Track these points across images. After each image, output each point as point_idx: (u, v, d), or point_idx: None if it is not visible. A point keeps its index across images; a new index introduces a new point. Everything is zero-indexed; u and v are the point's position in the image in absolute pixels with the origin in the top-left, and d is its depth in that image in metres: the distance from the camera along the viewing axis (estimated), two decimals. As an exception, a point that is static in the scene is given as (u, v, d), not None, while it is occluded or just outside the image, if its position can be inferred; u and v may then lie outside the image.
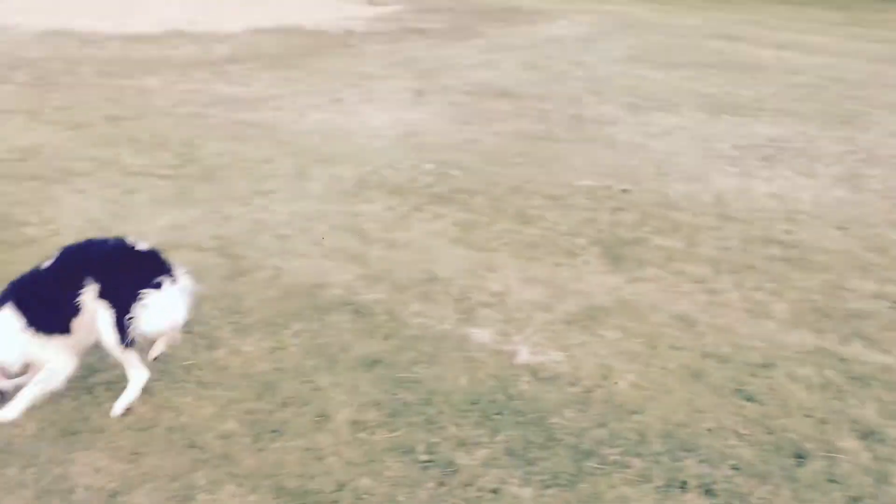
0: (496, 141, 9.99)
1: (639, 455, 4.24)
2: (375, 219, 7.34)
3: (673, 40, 18.04)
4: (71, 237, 6.46)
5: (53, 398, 4.51)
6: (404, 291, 5.98)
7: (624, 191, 8.24)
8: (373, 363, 5.02)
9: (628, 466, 4.16)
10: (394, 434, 4.38)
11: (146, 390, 4.62)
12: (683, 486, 4.04)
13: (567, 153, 9.59)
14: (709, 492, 4.00)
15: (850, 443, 4.39)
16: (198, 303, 5.57)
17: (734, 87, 13.26)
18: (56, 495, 3.84)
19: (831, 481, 4.09)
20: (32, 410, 4.42)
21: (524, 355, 5.18)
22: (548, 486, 4.02)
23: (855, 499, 3.99)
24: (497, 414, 4.57)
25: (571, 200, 7.96)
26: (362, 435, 4.36)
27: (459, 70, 14.45)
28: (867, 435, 4.47)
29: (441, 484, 4.05)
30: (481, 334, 5.42)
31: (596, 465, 4.17)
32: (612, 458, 4.23)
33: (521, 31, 19.40)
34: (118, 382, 4.68)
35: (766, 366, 5.12)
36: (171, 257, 4.70)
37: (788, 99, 12.59)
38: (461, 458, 4.21)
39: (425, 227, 7.21)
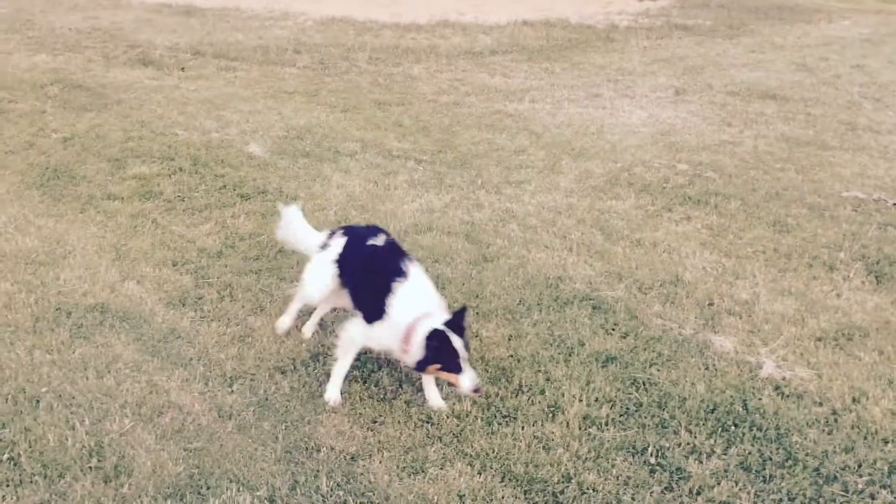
0: (757, 144, 9.55)
1: (888, 487, 3.97)
2: (623, 216, 7.28)
3: (971, 44, 16.40)
4: (333, 213, 7.00)
5: (307, 363, 4.90)
6: (647, 291, 5.91)
7: (896, 205, 7.64)
8: (608, 360, 5.02)
9: (874, 497, 3.90)
10: (624, 433, 4.37)
11: (390, 364, 4.90)
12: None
13: (835, 161, 9.00)
14: (965, 538, 3.68)
15: None
16: (442, 285, 5.87)
17: None
18: (303, 452, 4.18)
19: None
20: (286, 373, 4.83)
21: (769, 369, 4.96)
22: (783, 508, 3.86)
23: None
24: (734, 425, 4.43)
25: (836, 212, 7.48)
26: (592, 430, 4.39)
27: (724, 69, 13.94)
28: None
29: (668, 489, 3.99)
30: (724, 342, 5.25)
31: (838, 492, 3.94)
32: (857, 486, 3.98)
33: (797, 30, 18.37)
34: (365, 353, 5.00)
35: None
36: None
37: None
38: (692, 466, 4.12)
39: (674, 229, 7.05)
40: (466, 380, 4.22)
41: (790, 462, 4.16)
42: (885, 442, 4.31)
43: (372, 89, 11.68)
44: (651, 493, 3.96)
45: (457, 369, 4.23)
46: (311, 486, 3.94)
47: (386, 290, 4.42)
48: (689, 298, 5.82)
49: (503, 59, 14.21)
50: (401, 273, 4.48)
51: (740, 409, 4.56)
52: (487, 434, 4.34)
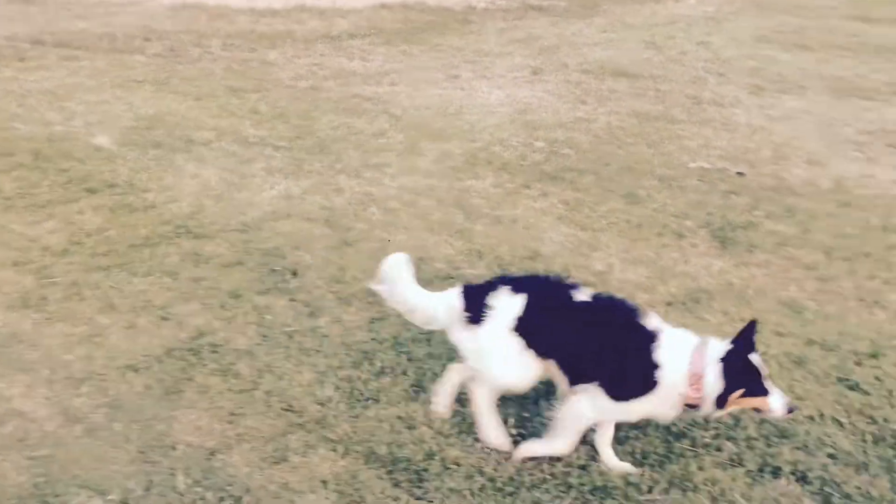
0: (610, 120, 9.83)
1: (732, 439, 4.16)
2: (483, 195, 7.37)
3: (806, 21, 17.24)
4: (187, 204, 6.80)
5: (160, 359, 4.74)
6: (507, 267, 6.00)
7: (739, 174, 8.00)
8: (470, 337, 5.06)
9: (720, 449, 4.09)
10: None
11: (249, 354, 4.81)
12: (776, 472, 3.95)
13: (683, 134, 9.36)
14: (803, 479, 3.91)
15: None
16: (303, 271, 5.80)
17: (867, 71, 12.60)
18: (158, 451, 4.04)
19: (935, 477, 3.93)
20: (139, 370, 4.65)
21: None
22: (636, 465, 3.99)
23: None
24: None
25: (683, 182, 7.79)
26: (455, 406, 4.42)
27: (578, 48, 14.24)
28: (981, 435, 4.25)
29: (530, 457, 4.06)
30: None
31: (687, 447, 4.12)
32: (704, 440, 4.17)
33: (646, 9, 18.93)
34: (224, 345, 4.89)
35: (873, 355, 4.93)
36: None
37: (925, 82, 11.90)
38: (551, 434, 4.21)
39: (532, 205, 7.19)
40: (778, 400, 3.73)
41: (643, 423, 4.29)
42: (730, 397, 4.52)
43: (226, 76, 11.38)
44: (513, 462, 4.02)
45: (763, 391, 3.75)
46: (168, 484, 3.82)
47: (644, 347, 3.77)
48: (547, 272, 5.94)
49: (361, 42, 14.10)
50: (644, 321, 3.86)
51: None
52: (351, 418, 4.32)
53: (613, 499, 3.81)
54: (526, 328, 3.90)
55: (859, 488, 3.84)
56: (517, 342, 3.91)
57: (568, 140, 8.98)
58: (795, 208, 7.16)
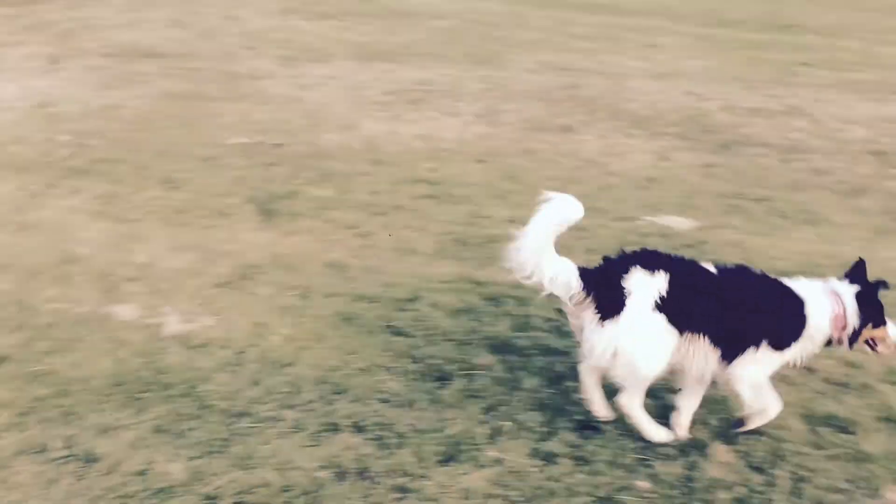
0: (140, 105, 9.44)
1: (291, 406, 4.18)
2: (3, 201, 6.67)
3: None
4: None
5: None
6: (36, 277, 5.47)
7: (277, 145, 8.13)
8: None
9: (282, 419, 4.09)
10: (25, 434, 3.97)
11: None
12: (335, 428, 4.03)
13: (219, 112, 9.28)
14: (359, 429, 4.03)
15: (486, 359, 4.61)
16: None
17: (384, 35, 13.54)
18: None
19: (470, 396, 4.29)
20: None
21: (172, 326, 4.93)
22: (198, 456, 3.83)
23: (491, 408, 4.20)
24: (144, 392, 4.30)
25: (223, 160, 7.72)
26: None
27: (99, 31, 13.48)
28: (500, 349, 4.75)
29: (80, 478, 3.72)
30: (125, 311, 5.09)
31: (248, 425, 4.05)
32: (264, 414, 4.13)
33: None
34: None
35: (411, 300, 5.28)
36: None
37: (434, 43, 13.07)
38: (103, 446, 3.89)
39: (62, 204, 6.66)
40: (894, 328, 4.08)
41: (202, 411, 4.16)
42: (286, 366, 4.55)
43: None
44: (60, 487, 3.64)
45: (884, 321, 4.07)
46: None
47: (789, 300, 3.97)
48: (84, 275, 5.52)
49: None
50: (776, 281, 4.05)
51: (149, 374, 4.44)
52: None
53: (177, 497, 3.63)
54: (672, 307, 3.77)
55: (410, 424, 4.07)
56: (660, 323, 3.78)
57: (96, 130, 8.47)
58: (333, 172, 7.44)
